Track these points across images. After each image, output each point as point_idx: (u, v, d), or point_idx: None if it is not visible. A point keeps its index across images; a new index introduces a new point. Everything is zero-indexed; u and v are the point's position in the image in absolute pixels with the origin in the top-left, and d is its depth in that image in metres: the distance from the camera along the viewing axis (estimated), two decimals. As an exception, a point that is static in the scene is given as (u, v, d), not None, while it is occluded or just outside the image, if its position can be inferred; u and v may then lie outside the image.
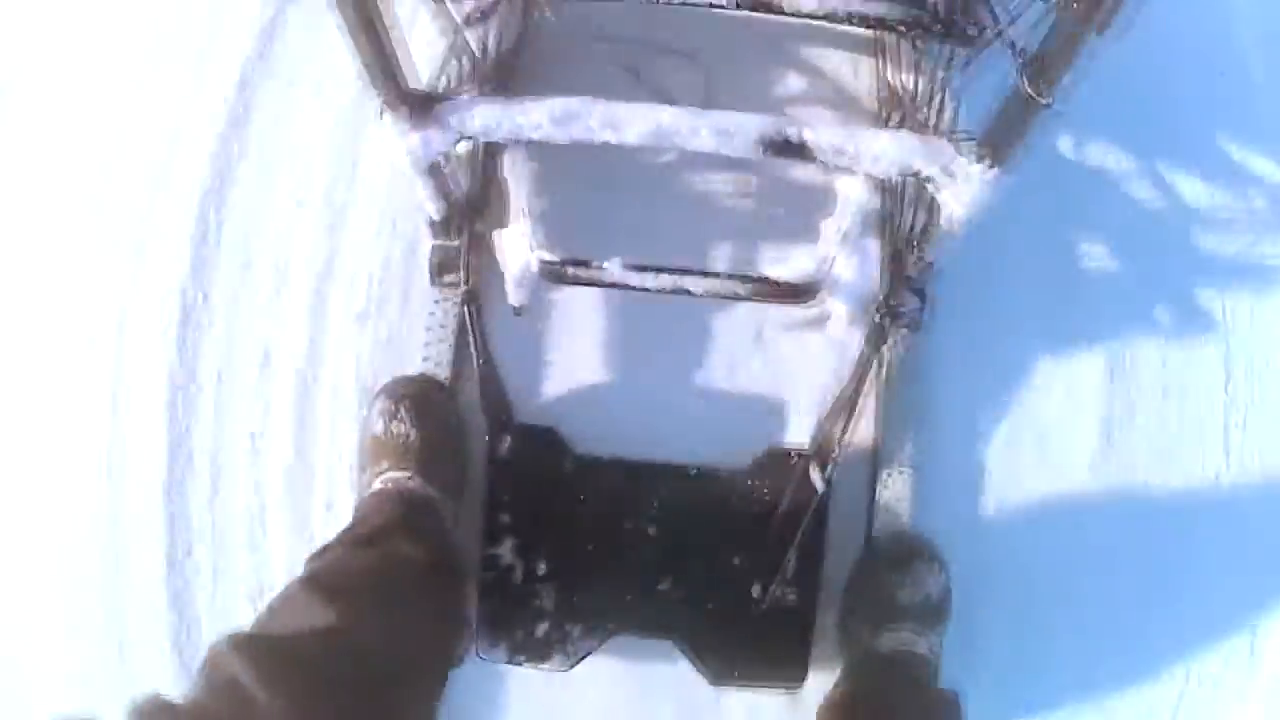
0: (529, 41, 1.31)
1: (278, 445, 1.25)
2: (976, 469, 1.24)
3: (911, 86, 1.23)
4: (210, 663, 0.84)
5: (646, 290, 1.01)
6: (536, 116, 1.03)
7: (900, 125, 1.26)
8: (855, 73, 1.32)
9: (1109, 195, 1.35)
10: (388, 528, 1.04)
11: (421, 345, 1.21)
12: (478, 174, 1.21)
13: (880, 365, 1.20)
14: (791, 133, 1.02)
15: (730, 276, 1.00)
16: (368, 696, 0.87)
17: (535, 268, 1.04)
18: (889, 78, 1.28)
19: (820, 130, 1.02)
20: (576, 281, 1.03)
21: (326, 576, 0.97)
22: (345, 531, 1.06)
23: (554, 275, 1.03)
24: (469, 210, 1.19)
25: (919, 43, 1.22)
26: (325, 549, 1.03)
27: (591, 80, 1.10)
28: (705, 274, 1.00)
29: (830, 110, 1.32)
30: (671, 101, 1.11)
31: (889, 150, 1.02)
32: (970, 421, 1.25)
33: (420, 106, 1.04)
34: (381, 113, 1.02)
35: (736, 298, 1.02)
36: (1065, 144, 1.36)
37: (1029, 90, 0.91)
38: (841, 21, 1.07)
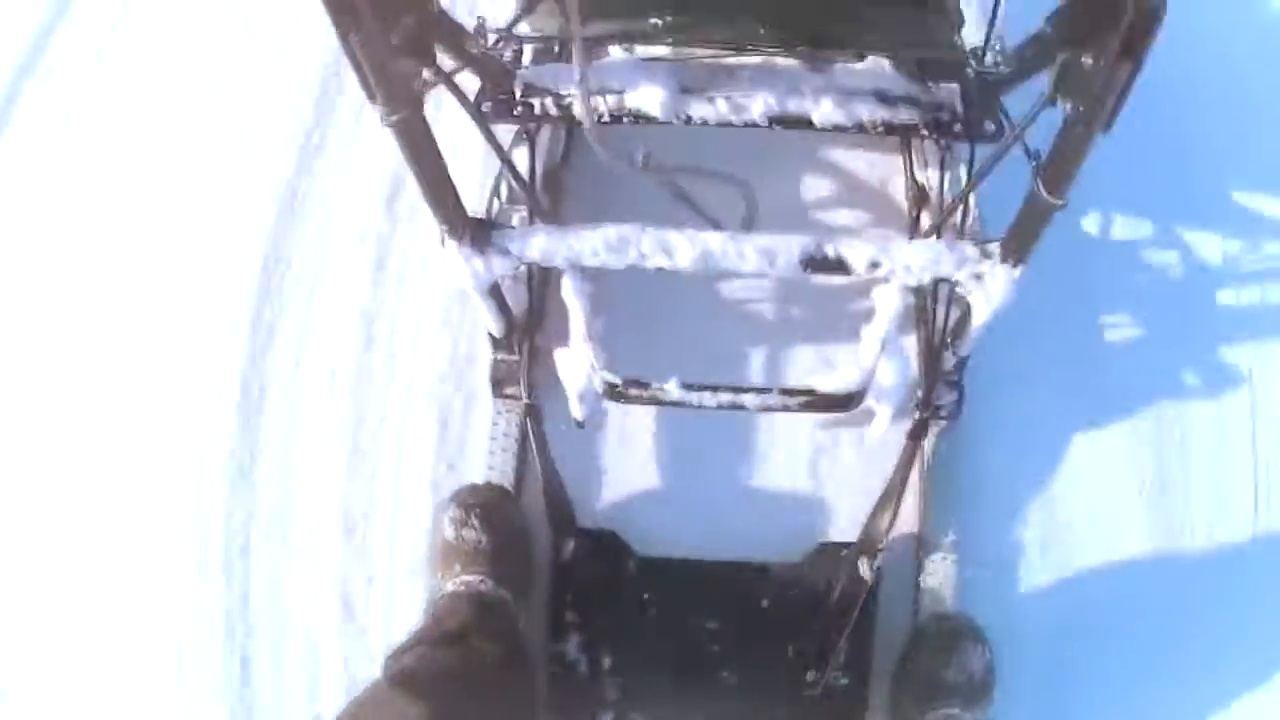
0: (573, 159, 1.39)
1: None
2: (1016, 547, 1.30)
3: (937, 184, 1.31)
4: None
5: (704, 408, 1.08)
6: (591, 244, 1.10)
7: (927, 222, 1.34)
8: (886, 176, 1.40)
9: (1126, 262, 1.42)
10: (465, 628, 1.10)
11: (486, 454, 1.28)
12: (535, 289, 1.28)
13: (921, 457, 1.26)
14: (829, 250, 1.09)
15: (781, 391, 1.07)
16: None
17: (599, 388, 1.11)
18: (916, 176, 1.36)
19: (855, 245, 1.10)
20: (638, 401, 1.10)
21: (412, 675, 1.03)
22: (423, 631, 1.12)
23: (616, 395, 1.10)
24: (527, 325, 1.27)
25: (943, 142, 1.30)
26: (405, 649, 1.08)
27: (634, 200, 1.17)
28: (758, 390, 1.07)
29: (865, 212, 1.40)
30: (715, 219, 1.19)
31: (920, 260, 1.09)
32: (1008, 503, 1.31)
33: (479, 233, 1.12)
34: (443, 240, 1.10)
35: (786, 410, 1.08)
36: (1080, 217, 1.43)
37: (1044, 192, 0.98)
38: (869, 130, 1.16)
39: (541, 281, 1.29)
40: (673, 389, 1.09)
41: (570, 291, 1.15)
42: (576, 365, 1.17)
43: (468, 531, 1.19)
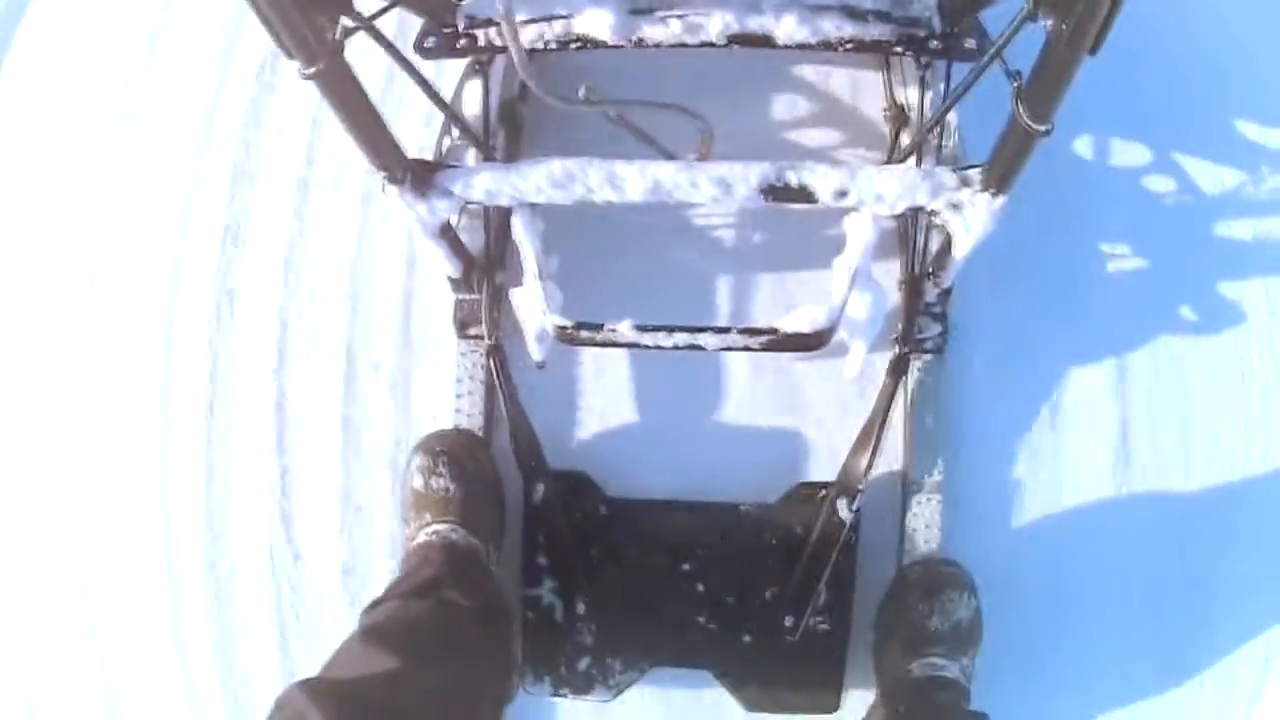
0: (529, 98, 1.30)
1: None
2: (1003, 488, 1.22)
3: (917, 105, 1.20)
4: (280, 707, 0.90)
5: (660, 349, 1.02)
6: (535, 180, 1.03)
7: (908, 143, 1.23)
8: (862, 97, 1.28)
9: (1117, 188, 1.30)
10: (437, 579, 1.08)
11: (453, 397, 1.23)
12: (491, 228, 1.22)
13: (904, 394, 1.18)
14: (791, 177, 1.01)
15: (741, 331, 1.00)
16: None
17: (549, 330, 1.05)
18: (895, 97, 1.24)
19: (821, 172, 1.01)
20: (590, 343, 1.04)
21: (384, 627, 1.02)
22: (396, 584, 1.10)
23: (568, 339, 1.04)
24: (487, 264, 1.21)
25: (922, 59, 1.19)
26: (378, 603, 1.07)
27: (595, 131, 1.09)
28: (716, 330, 1.00)
29: (840, 137, 1.29)
30: (671, 151, 1.10)
31: (892, 188, 1.00)
32: (995, 442, 1.23)
33: (421, 176, 1.05)
34: (384, 186, 1.04)
35: (749, 350, 1.01)
36: (1070, 144, 1.31)
37: (1026, 117, 0.88)
38: (837, 48, 1.05)
39: (500, 218, 1.22)
40: (626, 330, 1.02)
41: (521, 230, 1.08)
42: (530, 306, 1.11)
43: (436, 480, 1.16)
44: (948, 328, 1.18)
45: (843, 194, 1.00)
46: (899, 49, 1.05)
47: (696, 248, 1.26)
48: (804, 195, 1.01)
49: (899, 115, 1.22)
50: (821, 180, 1.00)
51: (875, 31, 1.04)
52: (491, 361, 1.19)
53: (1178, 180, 1.29)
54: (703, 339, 1.02)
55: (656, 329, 1.02)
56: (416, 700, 0.93)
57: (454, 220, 1.14)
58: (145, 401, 1.32)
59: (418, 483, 1.17)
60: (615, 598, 1.19)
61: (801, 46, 1.05)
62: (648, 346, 1.03)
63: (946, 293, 1.15)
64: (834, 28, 1.03)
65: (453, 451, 1.17)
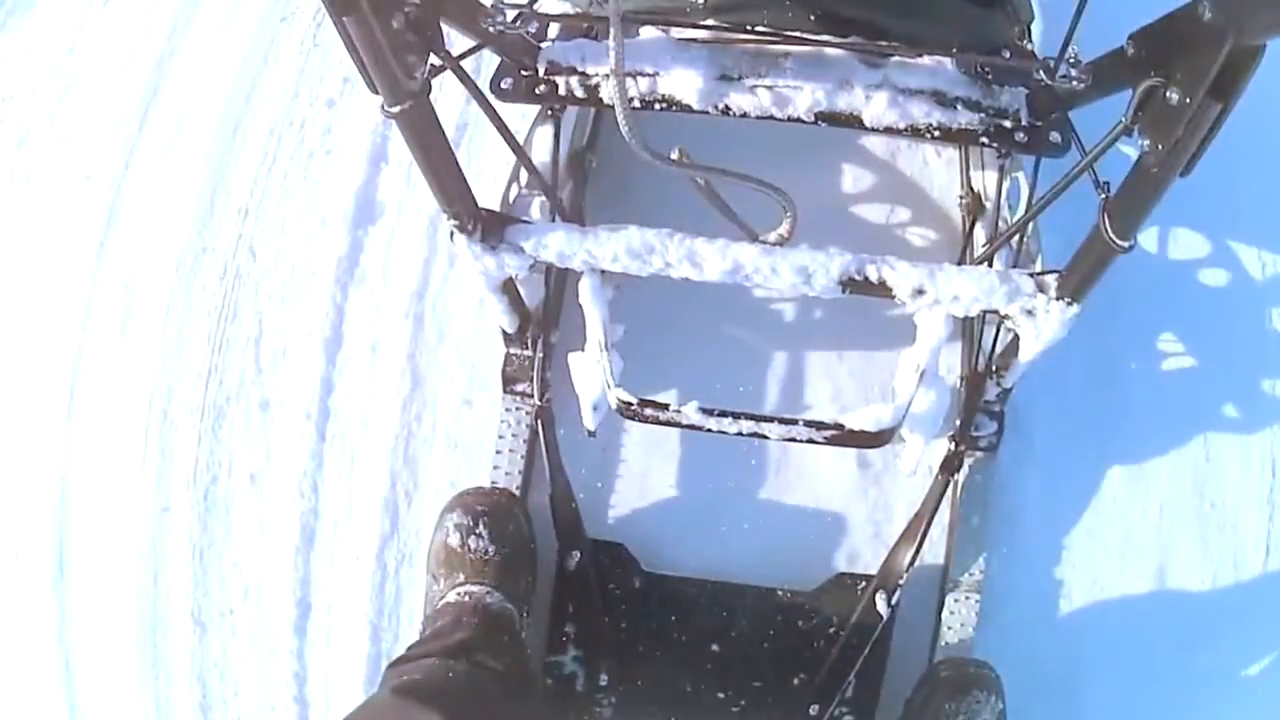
0: (600, 144, 1.27)
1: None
2: (1041, 593, 1.21)
3: (994, 195, 1.18)
4: None
5: (723, 433, 0.99)
6: (612, 248, 1.01)
7: (981, 235, 1.21)
8: (939, 183, 1.26)
9: (1167, 277, 1.30)
10: (470, 643, 1.04)
11: (493, 454, 1.19)
12: (554, 283, 1.19)
13: (954, 491, 1.16)
14: (871, 272, 0.99)
15: (807, 424, 0.97)
16: None
17: (612, 404, 1.02)
18: (973, 186, 1.23)
19: (901, 269, 0.99)
20: (654, 422, 1.01)
21: (420, 685, 0.97)
22: (425, 642, 1.06)
23: (631, 414, 1.01)
24: (544, 322, 1.17)
25: (1003, 150, 1.17)
26: (407, 659, 1.02)
27: (663, 192, 1.06)
28: (782, 420, 0.98)
29: (914, 221, 1.27)
30: (749, 224, 1.08)
31: (969, 290, 0.98)
32: (1038, 542, 1.21)
33: (491, 228, 1.02)
34: (452, 235, 1.00)
35: (812, 442, 0.98)
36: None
37: (1110, 232, 0.87)
38: (923, 133, 1.04)
39: (560, 275, 1.19)
40: (690, 413, 0.99)
41: (588, 295, 1.05)
42: (591, 373, 1.07)
43: (475, 540, 1.12)
44: (1003, 426, 1.16)
45: (920, 293, 0.98)
46: (985, 139, 1.04)
47: (757, 324, 1.24)
48: (882, 290, 0.99)
49: (975, 204, 1.21)
50: (901, 278, 0.98)
51: (963, 120, 1.03)
52: (539, 423, 1.15)
53: (1232, 273, 1.29)
54: (767, 429, 0.99)
55: (722, 414, 0.99)
56: None
57: (516, 276, 1.10)
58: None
59: (454, 541, 1.12)
60: (640, 672, 1.15)
61: (889, 130, 1.03)
62: (710, 430, 1.01)
63: (1006, 392, 1.14)
64: (923, 114, 1.02)
65: (493, 513, 1.13)
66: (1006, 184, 1.17)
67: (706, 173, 1.05)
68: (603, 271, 1.03)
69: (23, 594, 1.25)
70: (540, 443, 1.16)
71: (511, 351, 1.19)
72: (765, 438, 0.99)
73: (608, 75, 1.05)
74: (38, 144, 1.39)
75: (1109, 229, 0.87)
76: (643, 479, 1.21)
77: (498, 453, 1.20)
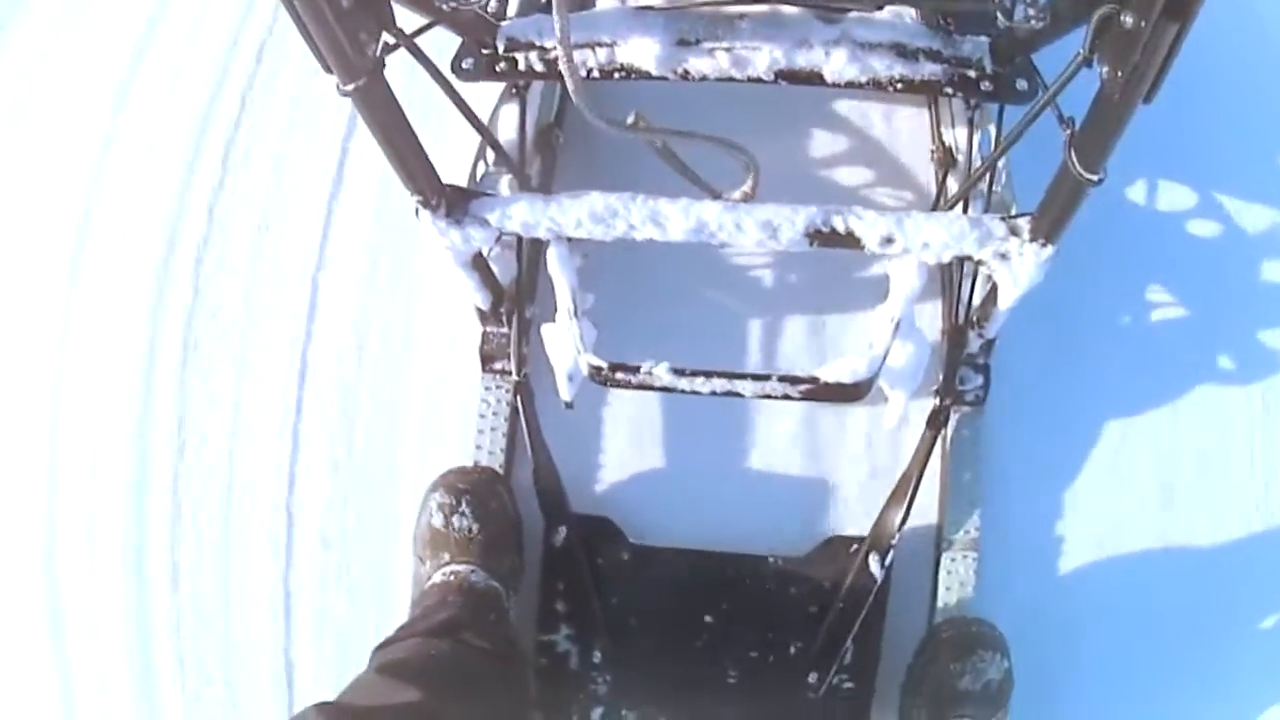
0: (568, 118, 1.26)
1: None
2: (1039, 548, 1.17)
3: (965, 147, 1.16)
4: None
5: (696, 394, 0.97)
6: (575, 214, 0.99)
7: (955, 189, 1.19)
8: (909, 138, 1.24)
9: (1162, 233, 1.26)
10: (456, 621, 1.03)
11: (474, 433, 1.18)
12: (526, 258, 1.17)
13: (942, 446, 1.12)
14: (838, 223, 0.97)
15: (781, 379, 0.95)
16: None
17: (584, 371, 1.00)
18: (943, 138, 1.20)
19: (868, 218, 0.97)
20: (625, 386, 0.99)
21: (404, 663, 0.96)
22: (412, 623, 1.05)
23: (602, 380, 1.00)
24: (517, 297, 1.16)
25: (972, 101, 1.15)
26: (393, 641, 1.01)
27: (633, 162, 1.04)
28: (755, 377, 0.96)
29: (886, 178, 1.25)
30: (715, 187, 1.06)
31: (940, 236, 0.96)
32: (1032, 496, 1.18)
33: (456, 202, 1.01)
34: (417, 211, 0.99)
35: (787, 399, 0.96)
36: (1116, 187, 1.27)
37: (1077, 165, 0.84)
38: (888, 87, 1.02)
39: (532, 250, 1.18)
40: (662, 374, 0.98)
41: (556, 264, 1.04)
42: (563, 343, 1.06)
43: (458, 519, 1.10)
44: (989, 379, 1.13)
45: (889, 241, 0.96)
46: (950, 90, 1.02)
47: (730, 286, 1.22)
48: (850, 241, 0.97)
49: (946, 157, 1.18)
50: (868, 227, 0.96)
51: (926, 71, 1.00)
52: (519, 399, 1.14)
53: (1223, 224, 1.25)
54: (741, 386, 0.97)
55: (694, 374, 0.97)
56: None
57: (486, 250, 1.09)
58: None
59: (437, 521, 1.11)
60: (634, 647, 1.13)
61: (851, 85, 1.01)
62: (684, 391, 0.98)
63: (989, 343, 1.11)
64: (884, 67, 1.00)
65: (475, 490, 1.12)
66: (977, 136, 1.14)
67: (663, 135, 1.04)
68: (569, 239, 1.02)
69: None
70: (520, 419, 1.14)
71: (488, 329, 1.18)
72: (740, 395, 0.96)
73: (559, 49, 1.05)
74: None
75: (1076, 163, 0.85)
76: (626, 451, 1.19)
77: (479, 431, 1.18)
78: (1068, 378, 1.20)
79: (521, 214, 1.00)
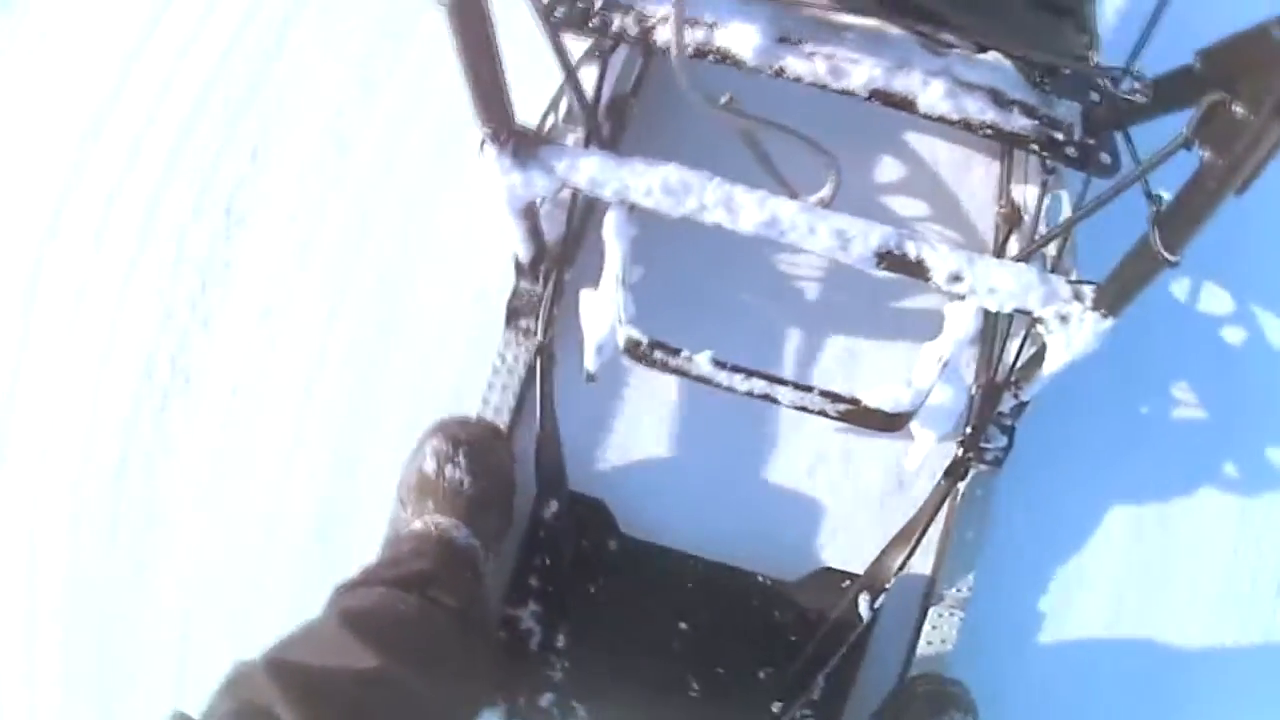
0: (644, 93, 1.23)
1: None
2: (1027, 619, 1.15)
3: (1034, 206, 1.15)
4: (240, 684, 0.77)
5: (733, 391, 0.93)
6: (648, 181, 0.96)
7: (1015, 246, 1.18)
8: (978, 183, 1.22)
9: (1192, 338, 1.26)
10: (428, 575, 0.96)
11: (484, 386, 1.13)
12: (576, 219, 1.13)
13: (953, 499, 1.10)
14: (910, 249, 0.94)
15: (823, 394, 0.92)
16: None
17: (620, 342, 0.96)
18: (1012, 193, 1.19)
19: (941, 251, 0.94)
20: (659, 367, 0.95)
21: (366, 619, 0.89)
22: (382, 568, 0.99)
23: (638, 356, 0.95)
24: (560, 257, 1.11)
25: (1049, 163, 1.14)
26: (361, 585, 0.95)
27: (703, 151, 1.01)
28: (797, 386, 0.92)
29: (947, 219, 1.23)
30: (789, 186, 1.03)
31: (1008, 285, 0.94)
32: (1031, 570, 1.15)
33: (525, 145, 0.97)
34: (483, 144, 0.95)
35: (824, 415, 0.93)
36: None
37: (1159, 245, 0.83)
38: (975, 130, 1.00)
39: (585, 212, 1.14)
40: (701, 362, 0.94)
41: (612, 229, 1.00)
42: (601, 311, 1.02)
43: (451, 469, 1.05)
44: (1013, 442, 1.11)
45: (957, 279, 0.94)
46: (1035, 147, 1.00)
47: (776, 292, 1.18)
48: (918, 270, 0.94)
49: (1013, 213, 1.16)
50: (940, 260, 0.94)
51: (1017, 124, 0.99)
52: (538, 360, 1.09)
53: (1252, 335, 1.25)
54: (780, 392, 0.93)
55: (735, 369, 0.94)
56: (391, 705, 0.81)
57: (540, 202, 1.05)
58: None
59: (429, 467, 1.05)
60: (600, 639, 1.08)
61: (940, 119, 0.99)
62: (718, 385, 0.95)
63: (1022, 405, 1.09)
64: (977, 109, 0.98)
65: (475, 443, 1.06)
66: (1047, 199, 1.13)
67: (756, 123, 1.01)
68: (632, 206, 0.98)
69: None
70: (536, 382, 1.09)
71: (521, 284, 1.13)
72: (775, 401, 0.93)
73: (666, 18, 1.02)
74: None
75: (1158, 241, 0.84)
76: (637, 439, 1.14)
77: (489, 386, 1.13)
78: (1080, 455, 1.19)
79: (592, 170, 0.96)
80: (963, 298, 0.96)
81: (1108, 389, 1.21)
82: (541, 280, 1.12)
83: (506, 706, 1.07)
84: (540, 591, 1.08)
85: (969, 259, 0.94)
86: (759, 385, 0.93)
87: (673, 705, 1.06)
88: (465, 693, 0.95)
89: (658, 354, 0.94)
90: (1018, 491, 1.15)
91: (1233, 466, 1.21)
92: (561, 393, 1.10)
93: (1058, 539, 1.17)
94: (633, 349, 0.96)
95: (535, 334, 1.11)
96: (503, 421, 1.12)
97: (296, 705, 0.73)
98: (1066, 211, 1.12)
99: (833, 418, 0.93)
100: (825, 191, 1.01)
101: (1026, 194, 1.16)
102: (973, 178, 1.23)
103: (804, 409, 0.94)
